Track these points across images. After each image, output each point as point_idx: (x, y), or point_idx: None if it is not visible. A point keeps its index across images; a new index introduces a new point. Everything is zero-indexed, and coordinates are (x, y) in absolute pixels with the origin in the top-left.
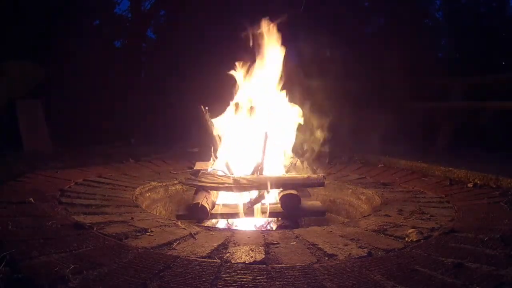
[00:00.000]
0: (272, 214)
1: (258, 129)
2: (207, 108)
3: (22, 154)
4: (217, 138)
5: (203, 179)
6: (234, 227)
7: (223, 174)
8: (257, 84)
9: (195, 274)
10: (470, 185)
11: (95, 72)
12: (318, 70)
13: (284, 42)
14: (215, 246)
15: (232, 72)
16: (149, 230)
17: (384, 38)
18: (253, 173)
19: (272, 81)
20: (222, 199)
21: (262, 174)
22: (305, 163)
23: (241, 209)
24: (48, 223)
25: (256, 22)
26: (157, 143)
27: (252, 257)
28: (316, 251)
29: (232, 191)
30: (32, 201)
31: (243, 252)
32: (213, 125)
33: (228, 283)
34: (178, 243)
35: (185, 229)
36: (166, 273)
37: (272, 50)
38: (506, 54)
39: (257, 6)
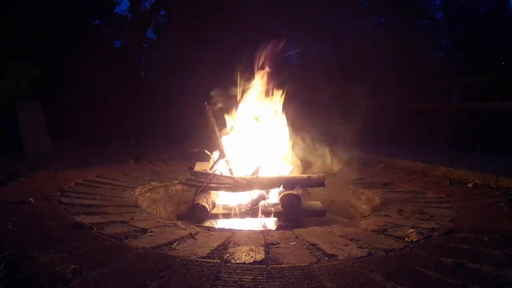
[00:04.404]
0: (273, 214)
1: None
2: (210, 105)
3: (22, 154)
4: (218, 136)
5: (203, 179)
6: (234, 227)
7: (223, 174)
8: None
9: (195, 274)
10: (470, 185)
11: (95, 72)
12: (318, 72)
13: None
14: (215, 246)
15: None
16: (149, 230)
17: (384, 38)
18: (253, 174)
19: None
20: (223, 199)
21: (262, 175)
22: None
23: (241, 210)
24: (48, 223)
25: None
26: (157, 143)
27: (252, 257)
28: (316, 251)
29: (232, 191)
30: (32, 201)
31: (243, 252)
32: (215, 122)
33: (228, 283)
34: (178, 243)
35: (185, 229)
36: (166, 273)
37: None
38: (506, 54)
39: (256, 6)
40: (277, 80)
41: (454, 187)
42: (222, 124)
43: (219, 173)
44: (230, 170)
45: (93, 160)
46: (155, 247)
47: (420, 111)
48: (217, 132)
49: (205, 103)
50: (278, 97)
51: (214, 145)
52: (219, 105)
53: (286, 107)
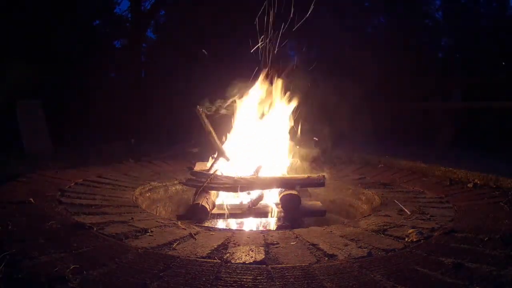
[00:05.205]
0: (273, 214)
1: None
2: (202, 108)
3: (22, 154)
4: (215, 138)
5: (203, 179)
6: (234, 227)
7: (223, 174)
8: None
9: (195, 274)
10: (470, 185)
11: (95, 72)
12: (318, 71)
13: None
14: (215, 246)
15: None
16: (149, 230)
17: (384, 38)
18: (253, 174)
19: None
20: (223, 199)
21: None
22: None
23: (241, 210)
24: (48, 223)
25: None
26: (157, 143)
27: (252, 257)
28: (316, 251)
29: (232, 191)
30: (32, 201)
31: (243, 252)
32: (209, 125)
33: (228, 283)
34: (178, 243)
35: (185, 229)
36: (166, 273)
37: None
38: (506, 54)
39: (257, 6)
40: (280, 79)
41: (454, 187)
42: (221, 123)
43: (220, 173)
44: (230, 170)
45: (93, 160)
46: (155, 247)
47: (420, 111)
48: (213, 133)
49: (197, 106)
50: (281, 97)
51: (212, 146)
52: (213, 108)
53: (288, 106)
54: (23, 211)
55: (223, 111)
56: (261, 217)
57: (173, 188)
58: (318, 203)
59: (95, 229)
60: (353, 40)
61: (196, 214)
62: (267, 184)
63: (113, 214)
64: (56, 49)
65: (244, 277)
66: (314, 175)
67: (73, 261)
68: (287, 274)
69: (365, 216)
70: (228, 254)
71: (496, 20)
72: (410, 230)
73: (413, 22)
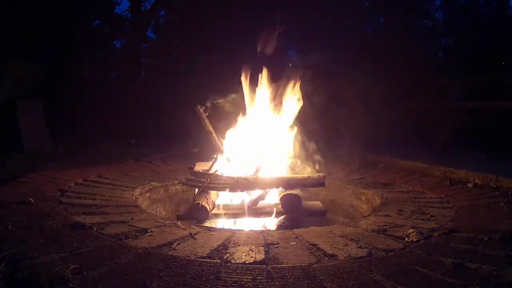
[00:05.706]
0: (273, 214)
1: (259, 131)
2: (204, 107)
3: (22, 154)
4: (215, 137)
5: (203, 179)
6: (234, 227)
7: (223, 174)
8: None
9: (195, 274)
10: (470, 185)
11: (95, 72)
12: (319, 71)
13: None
14: (215, 246)
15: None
16: (149, 230)
17: (384, 38)
18: (253, 174)
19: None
20: (223, 199)
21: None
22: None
23: (241, 210)
24: (48, 223)
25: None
26: (157, 143)
27: (252, 257)
28: (316, 251)
29: (232, 191)
30: (32, 201)
31: (243, 252)
32: (210, 124)
33: (228, 283)
34: (178, 243)
35: (185, 229)
36: (166, 273)
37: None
38: (506, 54)
39: (257, 7)
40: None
41: (454, 187)
42: (219, 122)
43: (220, 173)
44: (230, 170)
45: (93, 160)
46: (155, 247)
47: (420, 111)
48: (213, 132)
49: (198, 106)
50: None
51: (212, 145)
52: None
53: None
54: (23, 211)
55: (226, 107)
56: (261, 217)
57: (173, 188)
58: (318, 203)
59: (95, 229)
60: (353, 40)
61: (196, 214)
62: (267, 184)
63: (113, 214)
64: (56, 49)
65: (244, 277)
66: (314, 175)
67: (73, 261)
68: (287, 274)
69: (365, 216)
70: (228, 254)
71: (496, 20)
72: (410, 230)
73: (413, 22)
